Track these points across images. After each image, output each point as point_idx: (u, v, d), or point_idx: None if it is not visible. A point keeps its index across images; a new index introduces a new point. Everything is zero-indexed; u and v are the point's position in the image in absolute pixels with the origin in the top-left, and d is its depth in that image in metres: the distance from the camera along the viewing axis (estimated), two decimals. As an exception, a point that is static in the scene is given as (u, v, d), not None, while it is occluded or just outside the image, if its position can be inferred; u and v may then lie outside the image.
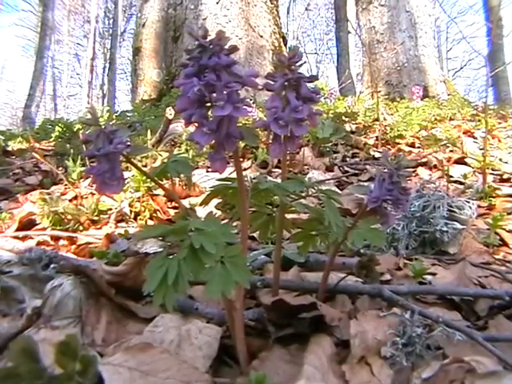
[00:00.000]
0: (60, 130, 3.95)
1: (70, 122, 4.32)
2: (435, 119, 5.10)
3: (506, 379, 0.69)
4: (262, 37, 6.57)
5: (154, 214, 1.98)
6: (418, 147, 3.89)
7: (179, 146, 3.39)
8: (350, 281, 1.08)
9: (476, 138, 3.86)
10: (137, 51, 7.27)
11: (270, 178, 2.29)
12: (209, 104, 0.66)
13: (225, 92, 0.64)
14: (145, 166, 2.43)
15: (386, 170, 0.82)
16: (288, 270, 1.19)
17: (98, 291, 0.98)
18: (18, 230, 1.79)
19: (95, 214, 1.94)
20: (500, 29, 11.04)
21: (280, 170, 2.75)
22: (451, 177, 2.40)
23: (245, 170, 2.77)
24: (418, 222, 1.54)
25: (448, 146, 3.34)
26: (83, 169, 2.31)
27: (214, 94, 0.64)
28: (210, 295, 0.63)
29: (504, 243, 1.58)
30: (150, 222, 1.94)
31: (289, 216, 1.03)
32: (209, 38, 0.64)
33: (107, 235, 1.62)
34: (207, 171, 2.54)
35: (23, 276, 1.05)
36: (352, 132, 4.29)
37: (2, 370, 0.57)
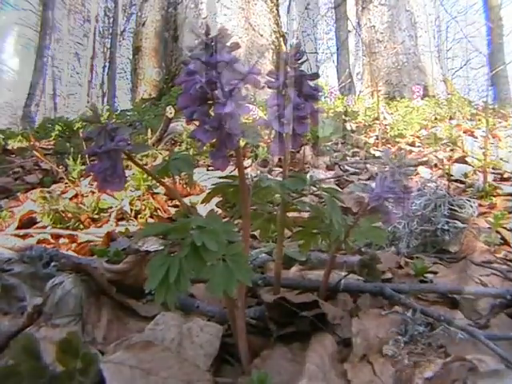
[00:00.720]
0: (60, 128, 3.95)
1: (69, 120, 4.32)
2: (435, 118, 5.11)
3: (508, 378, 0.69)
4: (262, 36, 6.57)
5: (155, 213, 1.98)
6: (419, 146, 3.90)
7: (179, 145, 3.39)
8: (351, 279, 1.08)
9: (476, 137, 3.86)
10: (137, 50, 7.27)
11: (270, 176, 2.28)
12: (210, 101, 0.65)
13: (227, 89, 0.64)
14: (145, 165, 2.42)
15: (387, 168, 0.82)
16: (289, 268, 1.19)
17: (98, 289, 0.98)
18: (18, 228, 1.79)
19: (96, 212, 1.94)
20: (500, 28, 11.04)
21: (280, 169, 2.75)
22: (452, 176, 2.40)
23: (245, 168, 2.76)
24: (419, 220, 1.54)
25: (448, 145, 3.34)
26: (83, 167, 2.30)
27: (216, 92, 0.64)
28: (212, 293, 0.62)
29: (505, 242, 1.58)
30: (151, 221, 1.93)
31: (290, 214, 1.02)
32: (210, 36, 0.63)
33: (108, 233, 1.61)
34: (207, 170, 2.54)
35: (24, 274, 1.04)
36: (352, 131, 4.29)
37: (4, 368, 0.56)
